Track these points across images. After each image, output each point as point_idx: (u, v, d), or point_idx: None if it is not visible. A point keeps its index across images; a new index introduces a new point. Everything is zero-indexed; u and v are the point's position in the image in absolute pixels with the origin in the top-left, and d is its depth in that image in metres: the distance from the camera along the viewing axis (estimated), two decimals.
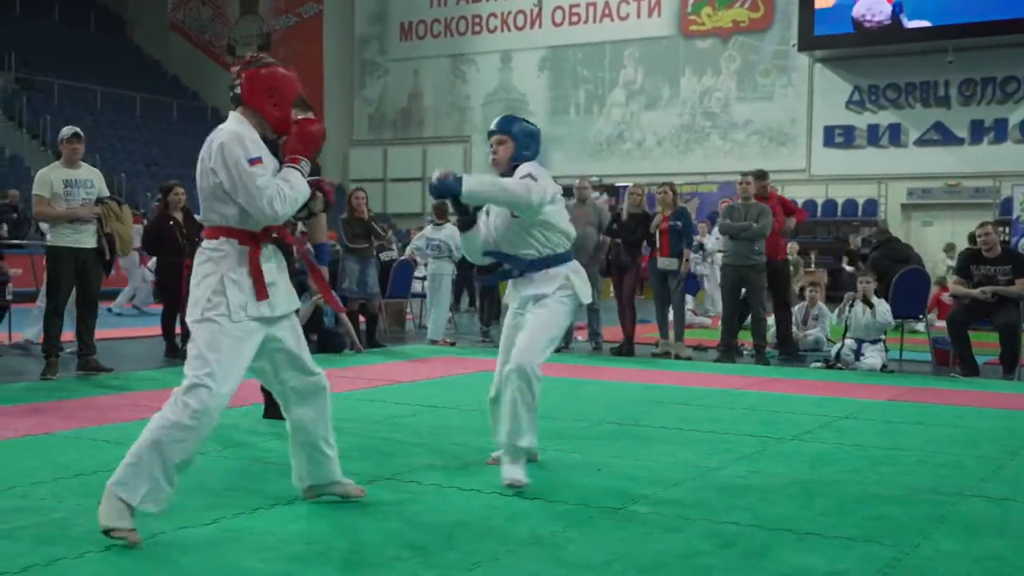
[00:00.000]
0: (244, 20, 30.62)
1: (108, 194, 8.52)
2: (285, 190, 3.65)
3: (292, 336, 3.89)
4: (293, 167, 3.74)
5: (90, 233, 8.20)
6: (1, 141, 23.58)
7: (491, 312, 14.74)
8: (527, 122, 4.80)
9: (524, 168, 4.61)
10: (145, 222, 14.10)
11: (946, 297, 13.34)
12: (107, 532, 3.48)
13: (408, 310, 14.04)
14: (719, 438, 5.73)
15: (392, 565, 3.39)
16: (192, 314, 3.66)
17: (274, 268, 3.80)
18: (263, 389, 5.92)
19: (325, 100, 29.34)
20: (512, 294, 4.85)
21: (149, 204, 22.77)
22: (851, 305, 9.46)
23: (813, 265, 22.18)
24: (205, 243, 3.72)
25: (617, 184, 25.36)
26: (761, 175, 10.47)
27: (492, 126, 4.70)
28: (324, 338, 10.25)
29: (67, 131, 8.37)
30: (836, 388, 7.99)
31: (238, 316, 3.63)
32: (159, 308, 10.23)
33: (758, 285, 10.03)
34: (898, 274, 9.89)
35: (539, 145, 4.81)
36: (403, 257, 14.11)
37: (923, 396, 7.61)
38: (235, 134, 3.64)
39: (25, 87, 25.77)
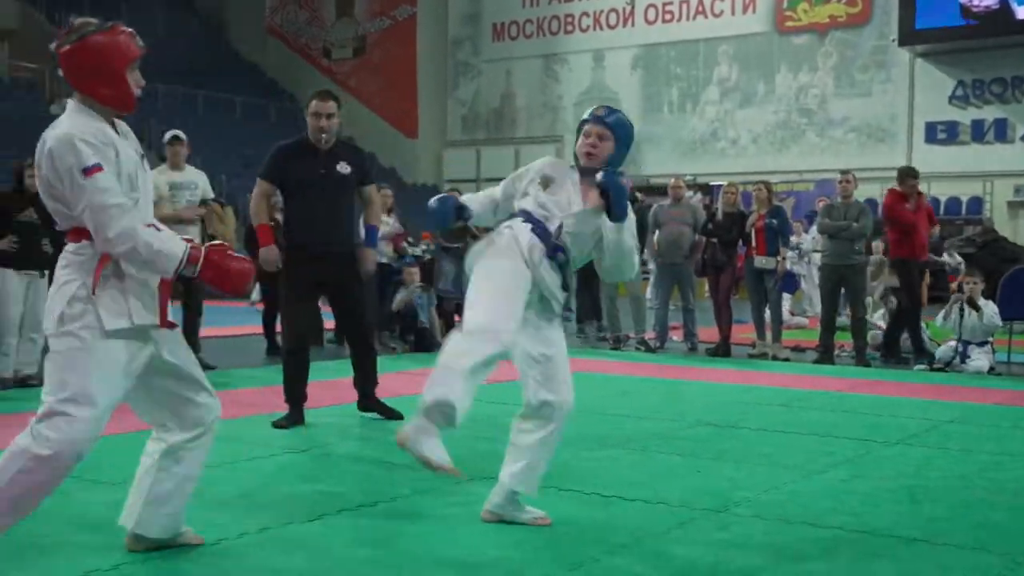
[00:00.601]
0: (340, 23, 31.08)
1: (212, 196, 8.75)
2: (140, 237, 3.05)
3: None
4: (187, 251, 3.14)
5: (194, 234, 8.39)
6: None
7: (595, 311, 14.73)
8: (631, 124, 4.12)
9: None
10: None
11: None
12: None
13: None
14: (820, 441, 5.64)
15: (499, 564, 3.41)
16: (47, 327, 3.16)
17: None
18: (354, 384, 6.17)
19: (419, 101, 29.68)
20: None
21: (248, 206, 23.30)
22: (959, 308, 9.20)
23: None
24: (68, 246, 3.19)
25: (711, 183, 25.11)
26: (909, 173, 10.19)
27: (600, 111, 3.96)
28: (420, 337, 10.37)
29: (168, 135, 8.63)
30: (942, 391, 7.79)
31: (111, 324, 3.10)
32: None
33: (858, 285, 9.86)
34: (1006, 274, 9.60)
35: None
36: None
37: None
38: (60, 137, 3.03)
39: None
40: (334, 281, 5.99)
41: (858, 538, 3.75)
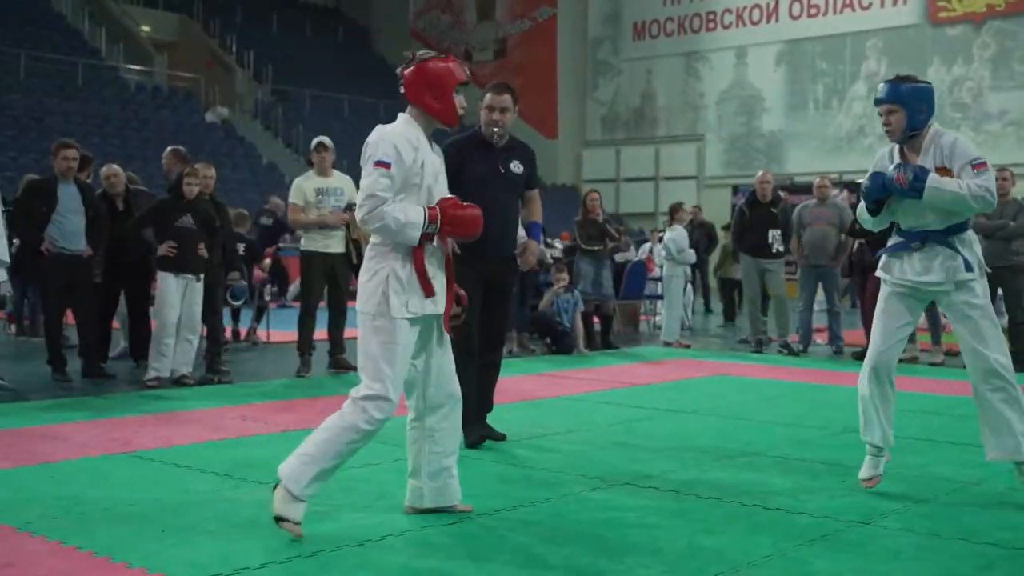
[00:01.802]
0: (481, 26, 31.42)
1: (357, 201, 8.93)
2: (389, 214, 3.64)
3: (440, 339, 3.92)
4: (427, 213, 3.72)
5: (339, 239, 8.63)
6: (259, 150, 25.18)
7: (733, 311, 14.57)
8: (916, 80, 4.42)
9: (947, 141, 4.38)
10: None
11: None
12: (277, 520, 3.69)
13: (643, 311, 14.00)
14: (974, 450, 5.39)
15: (635, 571, 3.39)
16: (366, 308, 3.72)
17: (435, 265, 3.82)
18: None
19: (559, 102, 29.75)
20: (906, 267, 4.43)
21: None
22: None
23: None
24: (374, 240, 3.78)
25: (858, 180, 24.39)
26: None
27: (879, 94, 4.38)
28: (556, 339, 10.40)
29: (315, 141, 8.85)
30: None
31: (400, 313, 3.66)
32: None
33: (1016, 287, 9.43)
34: None
35: (933, 104, 4.43)
36: (638, 258, 14.11)
37: None
38: (382, 132, 3.76)
39: (281, 98, 27.44)
40: (494, 287, 5.55)
41: (1017, 555, 3.59)
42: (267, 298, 11.38)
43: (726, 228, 15.56)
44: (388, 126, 3.79)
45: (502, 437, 5.65)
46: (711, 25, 27.55)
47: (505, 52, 30.97)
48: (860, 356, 10.00)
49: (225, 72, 28.72)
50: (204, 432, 5.83)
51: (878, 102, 4.40)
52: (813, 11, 25.90)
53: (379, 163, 3.65)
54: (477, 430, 5.47)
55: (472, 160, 5.45)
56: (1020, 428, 4.37)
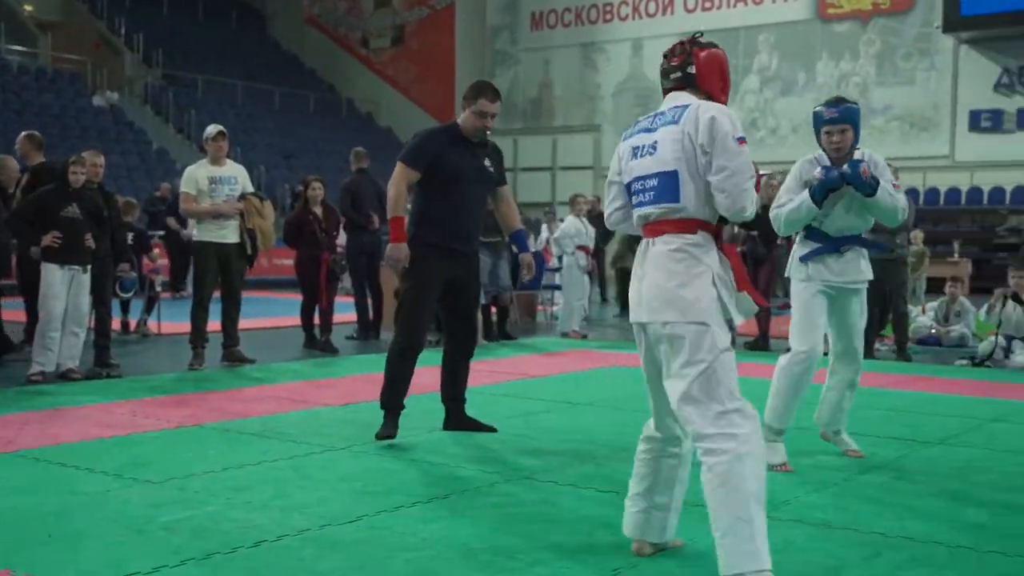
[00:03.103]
0: (378, 13, 31.10)
1: (251, 190, 8.79)
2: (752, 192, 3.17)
3: None
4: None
5: (233, 228, 8.47)
6: (150, 135, 24.54)
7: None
8: (853, 103, 4.92)
9: (866, 159, 4.80)
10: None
11: None
12: None
13: (540, 300, 14.07)
14: (861, 441, 5.57)
15: (534, 570, 3.40)
16: (690, 316, 3.11)
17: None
18: (444, 393, 5.73)
19: (457, 90, 29.64)
20: (828, 268, 4.90)
21: (286, 197, 23.42)
22: (1002, 302, 9.08)
23: (957, 255, 21.40)
24: (677, 238, 3.18)
25: (762, 173, 24.89)
26: None
27: (833, 114, 4.79)
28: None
29: (212, 129, 8.65)
30: (984, 388, 7.69)
31: (737, 319, 3.24)
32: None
33: (900, 279, 9.73)
34: None
35: None
36: (535, 248, 14.18)
37: None
38: (724, 110, 3.20)
39: (172, 83, 26.76)
40: (461, 280, 5.54)
41: (900, 543, 3.70)
42: (157, 288, 11.11)
43: None
44: (710, 105, 3.20)
45: (492, 429, 5.67)
46: (608, 16, 27.76)
47: (403, 39, 30.74)
48: (752, 346, 10.27)
49: (113, 55, 27.87)
50: (92, 429, 5.66)
51: (833, 122, 4.77)
52: (708, 5, 26.29)
53: (741, 139, 3.16)
54: (390, 427, 5.38)
55: (450, 153, 5.41)
56: (847, 406, 5.20)
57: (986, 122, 22.77)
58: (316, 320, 9.93)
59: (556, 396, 7.10)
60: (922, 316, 11.54)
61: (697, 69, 3.31)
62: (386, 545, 3.63)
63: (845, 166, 4.68)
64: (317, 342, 9.89)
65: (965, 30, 22.48)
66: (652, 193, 3.23)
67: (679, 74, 3.34)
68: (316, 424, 5.92)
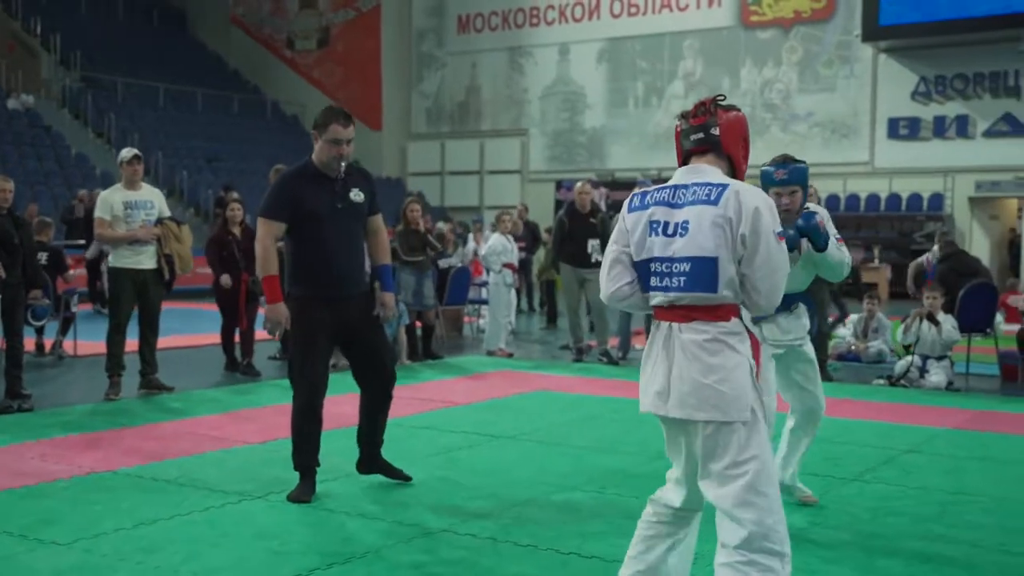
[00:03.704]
0: (303, 14, 30.76)
1: (168, 214, 8.62)
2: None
3: None
4: None
5: (150, 254, 8.31)
6: (68, 140, 23.98)
7: (554, 314, 14.75)
8: (801, 162, 4.68)
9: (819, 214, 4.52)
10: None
11: (1013, 300, 13.07)
12: None
13: (466, 312, 14.03)
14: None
15: None
16: (734, 414, 2.94)
17: None
18: (359, 440, 5.42)
19: (383, 93, 29.45)
20: (775, 328, 4.69)
21: (210, 201, 23.06)
22: (918, 322, 9.26)
23: (877, 261, 21.84)
24: (711, 326, 2.98)
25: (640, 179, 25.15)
26: None
27: (783, 175, 4.54)
28: None
29: (126, 153, 8.46)
30: (900, 412, 7.83)
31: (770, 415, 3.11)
32: None
33: (819, 297, 9.86)
34: (965, 288, 9.67)
35: None
36: (461, 260, 14.14)
37: (991, 424, 7.42)
38: (767, 200, 2.98)
39: (91, 85, 26.17)
40: (353, 326, 5.20)
41: None
42: (73, 309, 10.85)
43: (550, 231, 15.74)
44: (749, 189, 3.00)
45: (407, 478, 5.42)
46: (534, 21, 27.79)
47: (328, 41, 30.44)
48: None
49: (29, 56, 27.16)
50: (2, 478, 5.47)
51: (783, 183, 4.54)
52: (633, 10, 26.45)
53: (780, 235, 2.99)
54: (305, 491, 5.08)
55: (310, 194, 5.05)
56: (804, 450, 5.10)
57: (904, 130, 23.26)
58: (235, 338, 9.78)
59: (478, 427, 7.07)
60: (843, 328, 11.76)
61: (721, 132, 3.10)
62: None
63: (799, 220, 4.50)
64: (238, 365, 9.74)
65: (884, 39, 22.93)
66: (683, 279, 2.98)
67: (701, 135, 3.11)
68: (234, 466, 5.81)
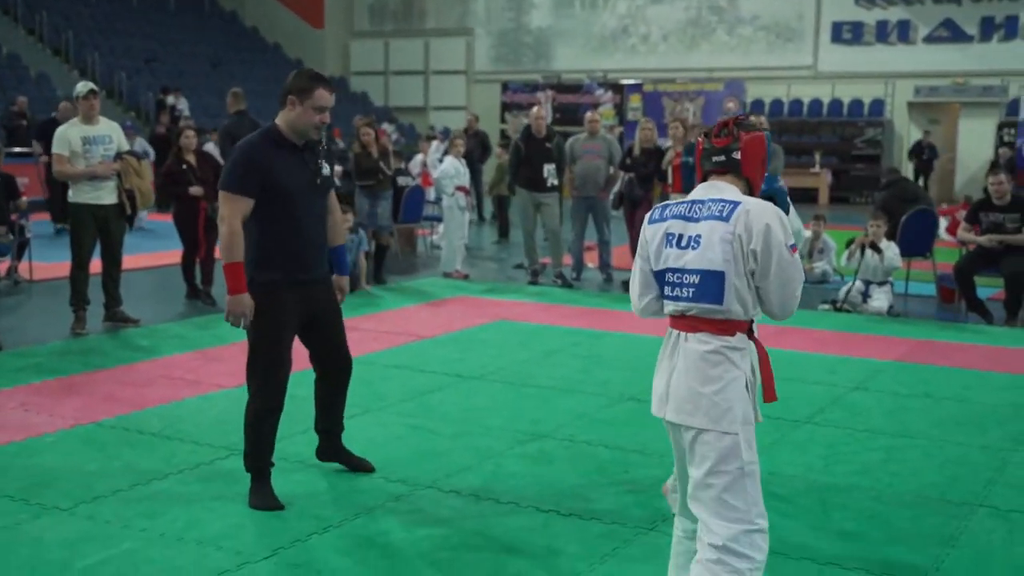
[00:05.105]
0: None
1: (127, 148, 8.61)
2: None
3: None
4: None
5: (110, 189, 8.33)
6: None
7: (507, 228, 14.94)
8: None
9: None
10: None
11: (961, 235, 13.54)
12: None
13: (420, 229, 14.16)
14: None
15: None
16: (723, 425, 3.09)
17: None
18: (317, 427, 5.11)
19: None
20: None
21: (151, 104, 22.64)
22: (861, 249, 9.62)
23: (818, 166, 22.24)
24: (715, 338, 3.12)
25: (622, 81, 25.17)
26: None
27: None
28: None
29: (82, 87, 8.38)
30: (845, 343, 8.21)
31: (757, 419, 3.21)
32: None
33: None
34: (906, 215, 10.03)
35: None
36: (415, 176, 14.21)
37: (929, 356, 7.84)
38: (778, 215, 3.10)
39: None
40: (316, 311, 4.75)
41: (778, 563, 4.06)
42: (28, 235, 10.80)
43: (504, 146, 15.84)
44: (756, 202, 3.11)
45: (369, 468, 5.08)
46: None
47: None
48: (628, 284, 10.62)
49: None
50: None
51: None
52: None
53: (793, 247, 3.11)
54: (263, 495, 4.65)
55: (278, 165, 4.52)
56: None
57: (847, 34, 23.46)
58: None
59: (445, 366, 7.31)
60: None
61: (742, 155, 3.23)
62: None
63: (763, 186, 4.60)
64: (199, 293, 9.84)
65: None
66: (692, 290, 3.13)
67: (723, 158, 3.23)
68: (215, 415, 5.99)
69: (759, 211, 3.08)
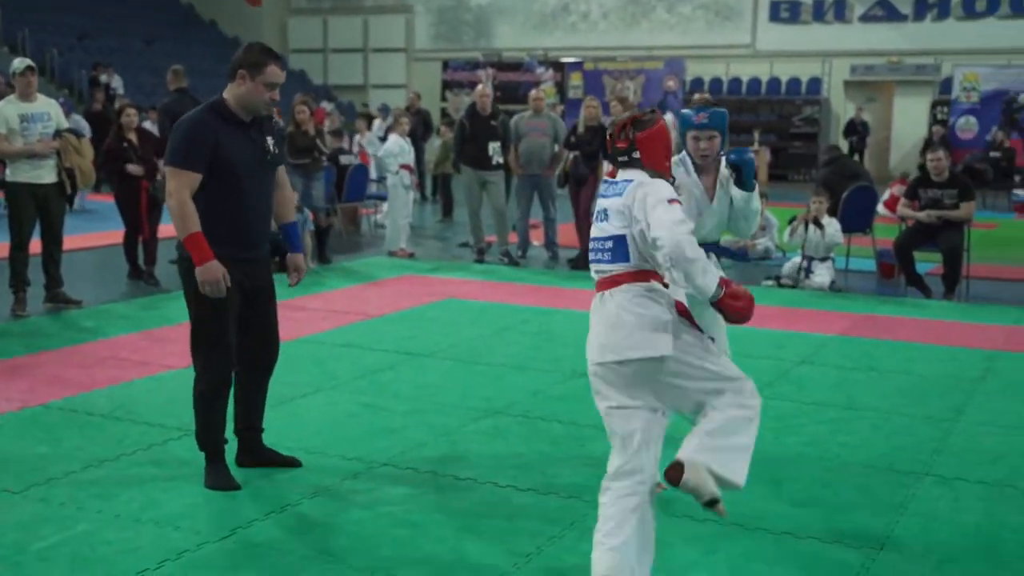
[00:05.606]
0: None
1: (66, 126, 8.46)
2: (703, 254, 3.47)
3: None
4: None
5: (49, 168, 8.18)
6: None
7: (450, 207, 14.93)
8: (722, 108, 4.73)
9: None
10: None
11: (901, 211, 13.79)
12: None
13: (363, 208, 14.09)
14: None
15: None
16: (659, 349, 3.46)
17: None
18: (238, 426, 4.86)
19: None
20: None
21: (84, 82, 22.19)
22: (804, 225, 9.78)
23: (756, 144, 22.48)
24: (634, 287, 3.50)
25: (563, 59, 25.19)
26: None
27: (704, 119, 4.56)
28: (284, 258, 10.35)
29: (19, 64, 8.20)
30: (790, 318, 8.34)
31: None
32: None
33: None
34: (847, 192, 10.21)
35: None
36: (354, 154, 14.12)
37: (872, 330, 8.00)
38: (655, 184, 3.52)
39: None
40: (253, 292, 4.61)
41: (735, 534, 4.14)
42: None
43: (448, 124, 15.78)
44: (643, 181, 3.52)
45: (295, 463, 4.86)
46: None
47: None
48: (574, 263, 10.70)
49: None
50: None
51: (702, 127, 4.53)
52: None
53: (672, 199, 3.47)
54: (219, 475, 4.61)
55: (226, 140, 4.43)
56: None
57: (785, 12, 23.70)
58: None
59: (396, 344, 7.30)
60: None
61: (641, 153, 3.61)
62: (269, 565, 3.80)
63: (731, 154, 4.56)
64: (141, 273, 9.71)
65: None
66: (609, 254, 3.58)
67: (626, 158, 3.63)
68: (166, 396, 5.92)
69: (646, 184, 3.54)
